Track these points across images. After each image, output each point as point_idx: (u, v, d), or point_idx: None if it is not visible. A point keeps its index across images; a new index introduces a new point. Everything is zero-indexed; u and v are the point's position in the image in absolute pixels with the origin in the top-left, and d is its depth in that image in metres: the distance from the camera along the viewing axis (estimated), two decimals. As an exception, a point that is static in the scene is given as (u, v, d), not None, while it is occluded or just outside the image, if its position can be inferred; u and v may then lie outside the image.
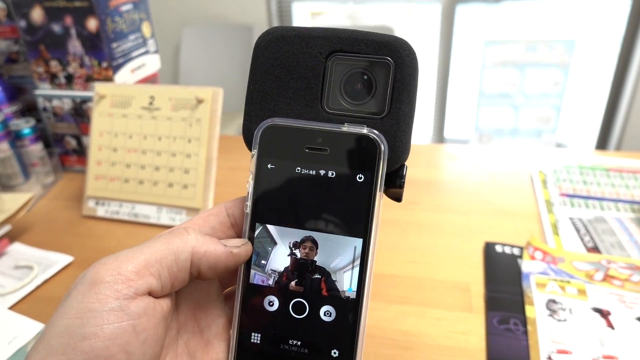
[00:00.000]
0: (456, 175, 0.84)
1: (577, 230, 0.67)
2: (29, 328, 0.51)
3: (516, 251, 0.63)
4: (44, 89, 0.84)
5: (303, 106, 0.27)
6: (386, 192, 0.28)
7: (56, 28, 0.78)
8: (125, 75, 0.83)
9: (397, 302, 0.57)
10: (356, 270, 0.26)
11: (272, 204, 0.26)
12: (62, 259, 0.66)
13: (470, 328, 0.53)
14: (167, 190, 0.72)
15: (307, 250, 0.26)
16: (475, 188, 0.80)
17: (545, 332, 0.50)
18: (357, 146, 0.25)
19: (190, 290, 0.27)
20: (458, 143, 2.57)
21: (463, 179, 0.82)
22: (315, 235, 0.26)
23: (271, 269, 0.27)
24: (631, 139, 2.02)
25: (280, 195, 0.26)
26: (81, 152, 0.88)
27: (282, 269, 0.26)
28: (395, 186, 0.27)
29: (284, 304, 0.27)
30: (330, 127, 0.26)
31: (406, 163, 0.27)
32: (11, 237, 0.71)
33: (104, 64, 0.79)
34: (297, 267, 0.26)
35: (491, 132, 2.52)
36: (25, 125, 0.80)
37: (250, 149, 0.27)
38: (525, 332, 0.51)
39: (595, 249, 0.63)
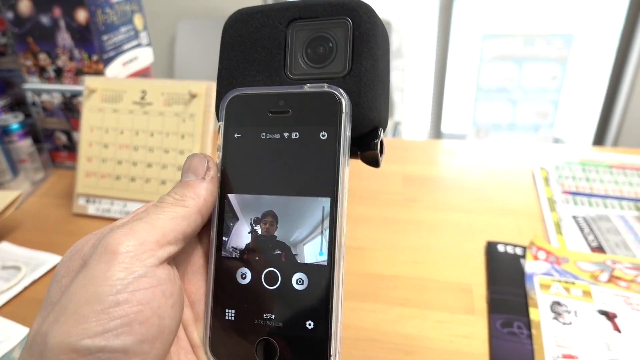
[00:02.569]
0: (456, 172, 0.82)
1: (581, 229, 0.65)
2: (15, 333, 0.49)
3: (519, 251, 0.61)
4: (32, 83, 0.82)
5: (267, 76, 0.27)
6: (362, 158, 0.27)
7: (44, 20, 0.76)
8: (116, 69, 0.80)
9: (397, 304, 0.55)
10: (327, 232, 0.24)
11: (239, 172, 0.26)
12: (51, 259, 0.64)
13: (473, 331, 0.51)
14: (159, 187, 0.70)
15: (267, 226, 0.25)
16: (475, 185, 0.78)
17: (550, 336, 0.49)
18: (317, 104, 0.25)
19: (178, 261, 0.27)
20: (455, 138, 2.55)
21: (463, 176, 0.81)
22: (281, 201, 0.25)
23: (232, 247, 0.26)
24: (629, 135, 2.01)
25: (247, 162, 0.26)
26: (72, 147, 0.85)
27: (243, 246, 0.26)
28: (370, 148, 0.26)
29: (256, 276, 0.25)
30: (291, 89, 0.26)
31: (381, 130, 0.27)
32: (-1, 236, 0.69)
33: (95, 57, 0.77)
34: (258, 244, 0.25)
35: (488, 126, 2.50)
36: (13, 120, 0.78)
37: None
38: (530, 336, 0.49)
39: (599, 249, 0.62)
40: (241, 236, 0.26)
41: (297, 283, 0.25)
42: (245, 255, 0.26)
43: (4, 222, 0.70)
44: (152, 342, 0.21)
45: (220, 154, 0.27)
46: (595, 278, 0.56)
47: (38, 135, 0.86)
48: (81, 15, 0.74)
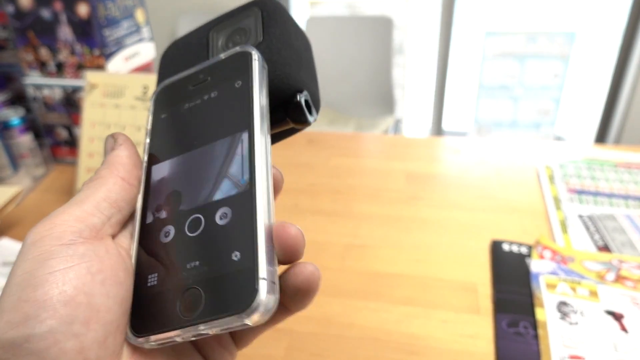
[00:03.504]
0: (460, 170, 0.81)
1: (587, 228, 0.65)
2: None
3: (524, 250, 0.61)
4: (33, 78, 0.81)
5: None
6: (292, 120, 0.28)
7: (45, 13, 0.75)
8: (118, 64, 0.80)
9: (401, 303, 0.54)
10: (247, 160, 0.24)
11: (164, 143, 0.27)
12: (52, 256, 0.64)
13: (478, 331, 0.51)
14: (161, 184, 0.70)
15: (170, 207, 0.25)
16: (480, 183, 0.77)
17: (556, 336, 0.48)
18: (232, 63, 0.27)
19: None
20: (456, 135, 2.55)
21: (467, 174, 0.80)
22: (198, 153, 0.25)
23: (157, 215, 0.25)
24: (631, 133, 2.01)
25: (171, 133, 0.27)
26: (73, 143, 0.85)
27: (165, 216, 0.25)
28: (291, 108, 0.27)
29: (180, 228, 0.23)
30: (210, 61, 0.28)
31: (305, 93, 0.28)
32: (-1, 232, 0.68)
33: (96, 52, 0.76)
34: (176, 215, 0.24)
35: (490, 124, 2.49)
36: (14, 115, 0.77)
37: None
38: (536, 336, 0.49)
39: (605, 248, 0.61)
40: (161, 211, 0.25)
41: (220, 219, 0.23)
42: (169, 216, 0.24)
43: (4, 218, 0.70)
44: (85, 323, 0.19)
45: (149, 135, 0.27)
46: (602, 278, 0.55)
47: (39, 130, 0.85)
48: (82, 9, 0.73)
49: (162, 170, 0.26)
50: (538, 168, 0.80)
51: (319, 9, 2.41)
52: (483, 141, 0.90)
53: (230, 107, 0.26)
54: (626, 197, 0.71)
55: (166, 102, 0.28)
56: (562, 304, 0.52)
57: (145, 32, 0.86)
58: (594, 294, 0.53)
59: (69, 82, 0.79)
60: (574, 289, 0.54)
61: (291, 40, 0.28)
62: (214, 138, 0.25)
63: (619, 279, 0.55)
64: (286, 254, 0.22)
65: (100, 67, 0.77)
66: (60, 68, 0.79)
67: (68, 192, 0.78)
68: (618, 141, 2.05)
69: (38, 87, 0.80)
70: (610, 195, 0.71)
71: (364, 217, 0.70)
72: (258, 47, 0.27)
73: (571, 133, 2.50)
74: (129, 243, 0.24)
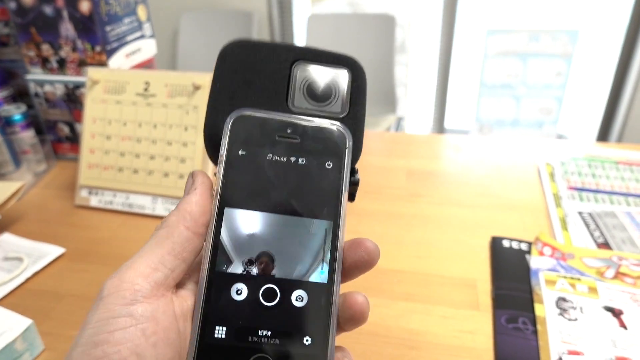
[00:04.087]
0: (461, 167, 0.81)
1: (587, 225, 0.65)
2: (17, 324, 0.49)
3: (524, 246, 0.61)
4: (35, 74, 0.81)
5: (270, 103, 0.28)
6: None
7: (47, 10, 0.75)
8: (119, 60, 0.80)
9: (402, 299, 0.55)
10: (328, 253, 0.26)
11: (241, 187, 0.26)
12: (53, 250, 0.64)
13: (478, 327, 0.51)
14: (162, 179, 0.70)
15: (263, 266, 0.25)
16: (480, 180, 0.77)
17: (555, 332, 0.48)
18: (325, 136, 0.27)
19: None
20: (458, 133, 2.55)
21: (468, 171, 0.80)
22: (288, 220, 0.26)
23: (245, 261, 0.25)
24: (633, 131, 2.00)
25: (250, 179, 0.26)
26: (74, 139, 0.85)
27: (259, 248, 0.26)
28: (350, 183, 0.28)
29: (253, 292, 0.25)
30: (301, 119, 0.27)
31: (357, 167, 0.29)
32: (1, 227, 0.68)
33: (98, 48, 0.76)
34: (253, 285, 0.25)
35: (492, 122, 2.49)
36: (16, 112, 0.78)
37: (209, 144, 0.28)
38: (535, 332, 0.49)
39: (605, 245, 0.61)
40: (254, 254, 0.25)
41: (296, 300, 0.25)
42: (243, 275, 0.25)
43: (6, 213, 0.70)
44: None
45: (223, 168, 0.26)
46: (601, 274, 0.56)
47: (40, 126, 0.85)
48: (84, 6, 0.73)
49: (237, 220, 0.25)
50: (539, 165, 0.80)
51: (320, 6, 2.41)
52: (484, 139, 0.90)
53: (319, 186, 0.26)
54: (627, 195, 0.70)
55: (245, 136, 0.27)
56: (562, 300, 0.52)
57: (147, 28, 0.86)
58: (593, 290, 0.53)
59: (70, 78, 0.79)
60: (573, 286, 0.54)
61: (364, 118, 0.29)
62: (298, 212, 0.26)
63: (619, 275, 0.55)
64: (353, 321, 0.25)
65: (101, 64, 0.77)
66: (61, 64, 0.79)
67: (69, 188, 0.78)
68: (620, 139, 2.05)
69: (40, 83, 0.81)
70: (611, 193, 0.71)
71: (365, 214, 0.70)
72: (344, 119, 0.28)
73: (574, 132, 2.49)
74: (189, 291, 0.25)
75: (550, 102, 2.42)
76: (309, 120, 0.27)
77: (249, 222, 0.25)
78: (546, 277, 0.55)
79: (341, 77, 0.29)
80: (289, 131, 0.27)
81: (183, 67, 2.24)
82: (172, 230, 0.25)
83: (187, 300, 0.25)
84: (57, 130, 0.85)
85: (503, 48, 2.37)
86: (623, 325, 0.49)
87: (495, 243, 0.62)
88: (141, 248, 0.25)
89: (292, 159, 0.27)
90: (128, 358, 0.22)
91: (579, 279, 0.55)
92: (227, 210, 0.25)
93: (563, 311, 0.51)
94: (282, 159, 0.26)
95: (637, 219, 0.66)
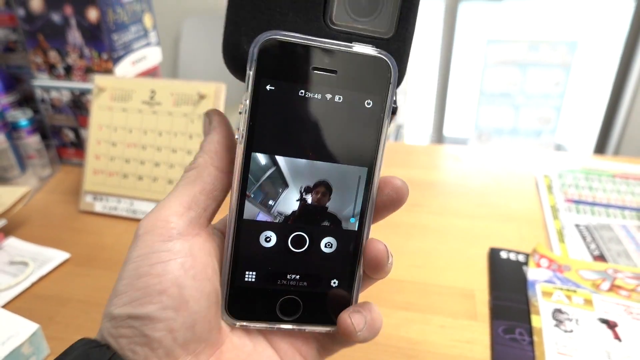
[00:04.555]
0: (459, 177, 0.83)
1: (583, 238, 0.66)
2: (23, 328, 0.50)
3: (521, 258, 0.62)
4: (42, 80, 0.82)
5: (304, 20, 0.24)
6: None
7: (56, 17, 0.76)
8: (125, 68, 0.81)
9: (401, 308, 0.56)
10: (360, 200, 0.25)
11: (271, 130, 0.24)
12: (58, 255, 0.65)
13: (475, 337, 0.52)
14: (166, 187, 0.71)
15: (319, 196, 0.25)
16: (479, 191, 0.78)
17: (551, 343, 0.50)
18: (367, 68, 0.24)
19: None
20: (457, 141, 2.56)
21: (466, 181, 0.81)
22: (321, 166, 0.24)
23: (278, 211, 0.25)
24: (630, 143, 2.02)
25: (281, 121, 0.24)
26: (79, 144, 0.86)
27: (289, 212, 0.25)
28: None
29: (282, 239, 0.25)
30: (339, 46, 0.23)
31: (396, 91, 0.26)
32: (6, 231, 0.69)
33: (104, 56, 0.77)
34: (306, 214, 0.25)
35: (491, 131, 2.51)
36: (22, 117, 0.79)
37: (232, 66, 0.25)
38: (531, 343, 0.50)
39: (601, 258, 0.62)
40: (289, 202, 0.25)
41: (325, 246, 0.26)
42: (290, 221, 0.25)
43: (11, 217, 0.71)
44: (176, 309, 0.23)
45: (249, 106, 0.23)
46: (597, 287, 0.57)
47: (46, 131, 0.86)
48: (92, 14, 0.74)
49: (265, 164, 0.24)
50: (536, 177, 0.81)
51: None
52: (483, 149, 0.92)
53: (356, 128, 0.24)
54: (623, 208, 0.72)
55: (275, 67, 0.23)
56: (558, 311, 0.53)
57: (153, 36, 0.88)
58: (588, 302, 0.54)
59: (76, 84, 0.81)
60: (569, 297, 0.55)
61: (414, 36, 0.25)
62: (330, 157, 0.24)
63: (614, 288, 0.56)
64: (372, 268, 0.26)
65: (108, 71, 0.78)
66: (68, 71, 0.80)
67: (73, 192, 0.79)
68: (617, 152, 2.06)
69: (46, 89, 0.82)
70: (607, 206, 0.72)
71: (365, 223, 0.71)
72: (389, 40, 0.25)
73: (572, 141, 2.51)
74: (221, 231, 0.27)
75: (549, 111, 2.43)
76: (348, 47, 0.24)
77: (276, 168, 0.24)
78: (543, 289, 0.56)
79: None
80: (326, 61, 0.23)
81: (184, 72, 2.26)
82: (202, 171, 0.25)
83: (220, 238, 0.26)
84: (62, 135, 0.86)
85: (502, 57, 2.39)
86: (617, 337, 0.50)
87: (493, 254, 0.63)
88: (173, 188, 0.26)
89: (328, 96, 0.24)
90: (169, 289, 0.23)
91: (574, 291, 0.56)
92: (255, 155, 0.24)
93: (559, 322, 0.52)
94: (316, 95, 0.24)
95: (633, 232, 0.67)
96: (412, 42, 0.25)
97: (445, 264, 0.63)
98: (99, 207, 0.74)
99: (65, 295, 0.59)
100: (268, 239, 0.25)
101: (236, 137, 0.24)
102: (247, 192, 0.24)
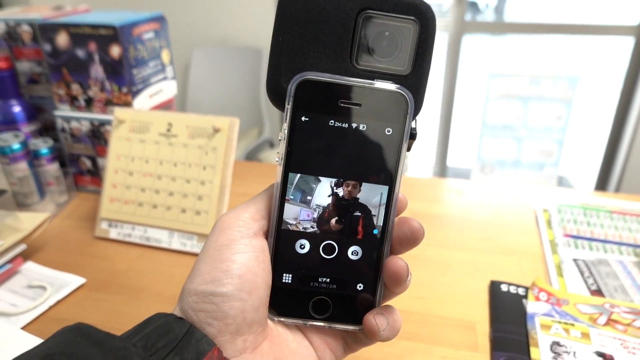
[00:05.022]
0: (461, 211, 0.85)
1: (581, 273, 0.68)
2: (43, 350, 0.52)
3: (521, 291, 0.64)
4: (63, 111, 0.86)
5: (333, 61, 0.28)
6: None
7: (80, 53, 0.81)
8: (143, 100, 0.85)
9: (403, 338, 0.58)
10: (382, 214, 0.29)
11: (305, 154, 0.28)
12: (74, 280, 0.67)
13: (476, 367, 0.54)
14: (179, 215, 0.74)
15: (349, 188, 0.29)
16: (480, 224, 0.81)
17: (549, 375, 0.51)
18: (387, 101, 0.28)
19: None
20: (460, 172, 2.59)
21: (468, 215, 0.84)
22: (341, 184, 0.29)
23: (316, 204, 0.29)
24: (632, 180, 2.05)
25: (313, 146, 0.28)
26: (95, 172, 0.89)
27: (325, 204, 0.29)
28: (410, 137, 0.30)
29: (314, 247, 0.30)
30: (363, 83, 0.28)
31: (416, 119, 0.30)
32: (25, 255, 0.72)
33: (124, 89, 0.82)
34: (340, 206, 0.29)
35: (493, 163, 2.54)
36: (43, 145, 0.82)
37: (274, 100, 0.29)
38: (530, 374, 0.52)
39: (598, 292, 0.64)
40: (322, 197, 0.29)
41: (352, 254, 0.30)
42: (326, 214, 0.29)
43: (29, 242, 0.74)
44: (249, 292, 0.27)
45: (287, 134, 0.28)
46: (594, 321, 0.59)
47: (64, 159, 0.90)
48: (115, 51, 0.79)
49: (301, 183, 0.29)
50: (536, 211, 0.84)
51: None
52: (484, 184, 0.95)
53: (378, 152, 0.28)
54: (620, 244, 0.74)
55: (308, 102, 0.28)
56: (556, 344, 0.55)
57: (169, 71, 0.92)
58: (586, 335, 0.56)
59: (96, 116, 0.85)
60: (567, 331, 0.57)
61: (430, 72, 0.29)
62: (356, 176, 0.29)
63: (611, 322, 0.58)
64: (392, 281, 0.30)
65: (126, 104, 0.82)
66: (89, 103, 0.85)
67: (89, 219, 0.82)
68: (618, 189, 2.09)
69: (67, 119, 0.86)
70: (605, 241, 0.75)
71: (370, 254, 0.73)
72: (407, 77, 0.28)
73: (575, 175, 2.54)
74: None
75: (551, 144, 2.47)
76: (370, 84, 0.28)
77: (310, 187, 0.29)
78: (542, 322, 0.58)
79: (408, 29, 0.28)
80: (351, 96, 0.28)
81: (193, 101, 2.31)
82: (267, 195, 0.30)
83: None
84: (80, 163, 0.89)
85: (504, 91, 2.44)
86: (613, 371, 0.52)
87: (494, 287, 0.65)
88: (254, 196, 0.30)
89: (354, 125, 0.28)
90: (246, 274, 0.27)
91: (572, 325, 0.58)
92: (292, 175, 0.29)
93: (557, 355, 0.54)
94: (343, 125, 0.28)
95: (629, 268, 0.69)
96: (428, 77, 0.29)
97: (447, 295, 0.65)
98: (113, 233, 0.77)
99: (81, 319, 0.61)
100: (302, 247, 0.30)
101: (276, 160, 0.29)
102: (290, 202, 0.29)
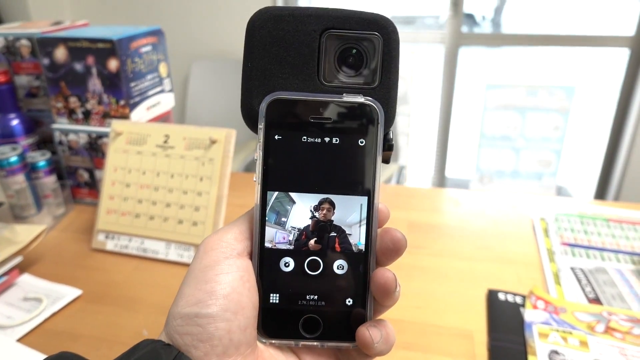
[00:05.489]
0: (459, 221, 0.85)
1: (579, 281, 0.68)
2: (37, 362, 0.52)
3: (519, 300, 0.64)
4: (61, 124, 0.87)
5: (301, 80, 0.29)
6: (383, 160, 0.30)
7: (78, 67, 0.81)
8: (140, 113, 0.86)
9: (401, 348, 0.57)
10: (364, 226, 0.29)
11: (281, 172, 0.29)
12: (70, 292, 0.67)
13: (474, 377, 0.53)
14: (176, 226, 0.74)
15: (325, 212, 0.29)
16: (478, 234, 0.81)
17: (547, 383, 0.51)
18: (356, 113, 0.28)
19: None
20: (459, 183, 2.59)
21: (466, 224, 0.84)
22: (319, 199, 0.29)
23: (291, 226, 0.29)
24: (630, 188, 2.05)
25: (288, 163, 0.29)
26: (93, 185, 0.90)
27: (302, 227, 0.29)
28: (384, 149, 0.30)
29: (299, 264, 0.29)
30: (331, 98, 0.28)
31: (391, 131, 0.30)
32: (21, 268, 0.72)
33: (122, 102, 0.82)
34: (317, 229, 0.29)
35: (492, 173, 2.55)
36: (41, 158, 0.83)
37: (248, 123, 0.30)
38: (528, 383, 0.51)
39: (596, 300, 0.64)
40: (299, 219, 0.29)
41: (338, 268, 0.29)
42: (303, 236, 0.29)
43: (26, 254, 0.74)
44: (235, 312, 0.27)
45: (261, 153, 0.28)
46: (592, 329, 0.58)
47: (61, 172, 0.90)
48: (112, 64, 0.80)
49: (282, 195, 0.29)
50: (534, 220, 0.84)
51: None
52: (482, 194, 0.95)
53: (353, 164, 0.29)
54: (617, 252, 0.74)
55: (280, 120, 0.28)
56: (554, 352, 0.55)
57: (167, 83, 0.93)
58: (584, 344, 0.56)
59: (94, 128, 0.85)
60: (565, 339, 0.57)
61: (398, 83, 0.30)
62: (334, 189, 0.29)
63: (609, 330, 0.58)
64: (380, 293, 0.29)
65: (124, 116, 0.83)
66: (87, 115, 0.85)
67: (86, 231, 0.82)
68: (617, 197, 2.09)
69: (64, 132, 0.86)
70: (602, 249, 0.75)
71: (367, 264, 0.73)
72: (375, 89, 0.29)
73: (573, 184, 2.54)
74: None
75: (549, 154, 2.48)
76: (339, 98, 0.28)
77: (288, 204, 0.29)
78: (539, 330, 0.58)
79: (372, 44, 0.29)
80: (321, 111, 0.28)
81: (192, 114, 2.33)
82: (249, 217, 0.30)
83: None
84: (77, 176, 0.90)
85: (502, 102, 2.46)
86: (612, 379, 0.52)
87: (492, 296, 0.65)
88: (237, 218, 0.30)
89: (326, 139, 0.28)
90: (231, 294, 0.27)
91: (570, 333, 0.57)
92: (270, 194, 0.29)
93: (555, 364, 0.53)
94: (316, 140, 0.28)
95: (627, 276, 0.69)
96: (397, 88, 0.30)
97: (444, 305, 0.65)
98: (110, 245, 0.77)
99: (76, 331, 0.61)
100: (287, 264, 0.29)
101: (254, 179, 0.29)
102: (266, 224, 0.29)
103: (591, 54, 2.29)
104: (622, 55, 2.03)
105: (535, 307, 0.62)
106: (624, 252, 0.74)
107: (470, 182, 2.57)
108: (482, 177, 2.54)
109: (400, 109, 2.42)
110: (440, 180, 2.46)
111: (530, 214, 0.86)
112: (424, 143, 2.68)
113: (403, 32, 2.17)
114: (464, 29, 2.15)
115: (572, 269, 0.71)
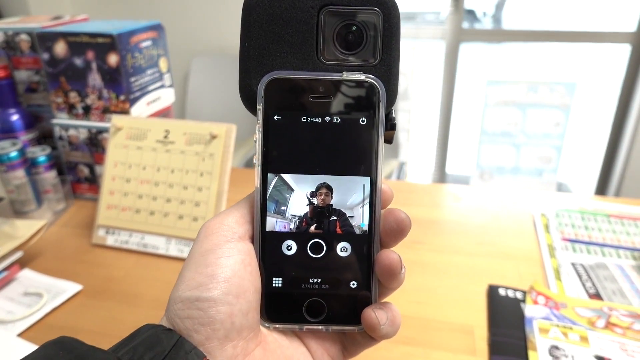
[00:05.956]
0: (460, 216, 0.85)
1: (579, 276, 0.68)
2: (38, 357, 0.52)
3: (519, 295, 0.64)
4: (61, 119, 0.87)
5: (300, 59, 0.28)
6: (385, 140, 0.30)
7: (78, 62, 0.81)
8: (141, 108, 0.85)
9: (402, 343, 0.57)
10: (367, 206, 0.28)
11: (282, 153, 0.28)
12: (71, 287, 0.67)
13: (474, 372, 0.53)
14: (177, 222, 0.74)
15: (322, 197, 0.28)
16: (478, 229, 0.81)
17: (548, 378, 0.51)
18: (357, 91, 0.28)
19: None
20: (459, 179, 2.59)
21: (467, 220, 0.84)
22: (328, 179, 0.28)
23: (291, 214, 0.28)
24: (631, 184, 2.05)
25: (289, 144, 0.28)
26: (93, 180, 0.89)
27: (301, 214, 0.28)
28: (387, 129, 0.29)
29: (301, 247, 0.28)
30: (331, 76, 0.28)
31: (394, 109, 0.29)
32: (21, 263, 0.72)
33: (122, 97, 0.82)
34: (316, 214, 0.28)
35: (492, 169, 2.54)
36: (41, 153, 0.82)
37: (247, 105, 0.29)
38: (529, 378, 0.51)
39: (597, 296, 0.64)
40: (298, 206, 0.28)
41: (341, 251, 0.29)
42: (304, 223, 0.28)
43: (26, 249, 0.74)
44: (236, 296, 0.27)
45: (261, 135, 0.28)
46: (593, 324, 0.58)
47: (61, 167, 0.90)
48: (112, 59, 0.79)
49: (279, 183, 0.28)
50: (534, 216, 0.84)
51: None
52: (482, 189, 0.95)
53: (354, 143, 0.28)
54: (618, 247, 0.74)
55: (279, 100, 0.28)
56: (554, 348, 0.55)
57: (167, 79, 0.93)
58: (584, 339, 0.56)
59: (94, 123, 0.85)
60: (565, 334, 0.57)
61: (399, 59, 0.29)
62: (336, 170, 0.28)
63: (609, 325, 0.58)
64: (385, 275, 0.29)
65: (124, 111, 0.83)
66: (87, 111, 0.85)
67: (86, 226, 0.82)
68: (618, 193, 2.09)
69: (65, 127, 0.86)
70: (603, 245, 0.75)
71: (368, 259, 0.73)
72: (376, 67, 0.28)
73: (574, 181, 2.54)
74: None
75: (550, 151, 2.47)
76: (339, 76, 0.27)
77: (289, 186, 0.28)
78: (540, 326, 0.58)
79: (372, 20, 0.28)
80: (321, 90, 0.27)
81: (192, 110, 2.32)
82: (250, 200, 0.30)
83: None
84: (77, 171, 0.90)
85: (502, 98, 2.45)
86: (612, 374, 0.52)
87: (492, 291, 0.65)
88: (237, 202, 0.30)
89: (327, 119, 0.27)
90: (231, 278, 0.27)
91: (571, 328, 0.57)
92: (270, 176, 0.28)
93: (556, 359, 0.53)
94: (316, 119, 0.27)
95: (628, 271, 0.69)
96: (398, 65, 0.29)
97: (445, 300, 0.65)
98: (110, 240, 0.77)
99: (77, 326, 0.61)
100: (289, 248, 0.29)
101: (254, 161, 0.29)
102: (267, 207, 0.28)
103: (592, 50, 2.29)
104: (623, 52, 2.03)
105: (535, 302, 0.62)
106: (625, 247, 0.74)
107: (471, 178, 2.57)
108: (483, 174, 2.54)
109: (401, 105, 2.42)
110: (441, 177, 2.46)
111: (531, 209, 0.86)
112: (424, 139, 2.68)
113: (404, 28, 2.16)
114: (465, 24, 2.14)
115: (573, 264, 0.71)
